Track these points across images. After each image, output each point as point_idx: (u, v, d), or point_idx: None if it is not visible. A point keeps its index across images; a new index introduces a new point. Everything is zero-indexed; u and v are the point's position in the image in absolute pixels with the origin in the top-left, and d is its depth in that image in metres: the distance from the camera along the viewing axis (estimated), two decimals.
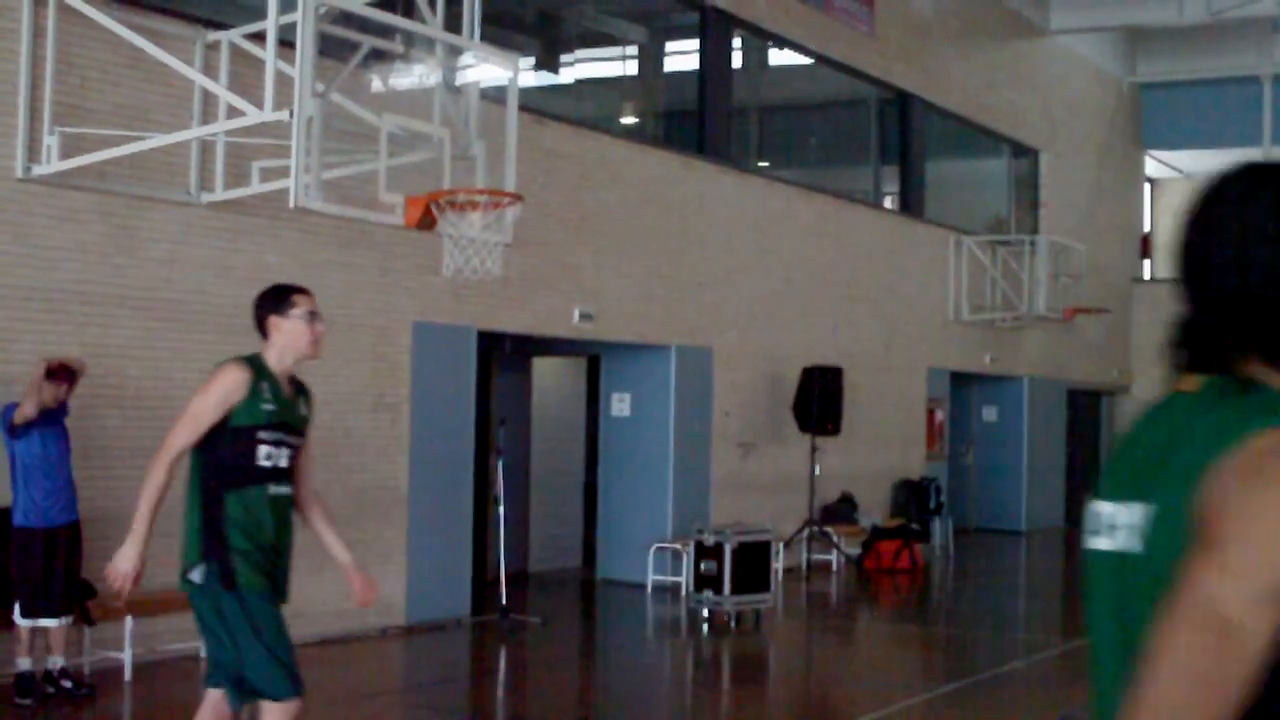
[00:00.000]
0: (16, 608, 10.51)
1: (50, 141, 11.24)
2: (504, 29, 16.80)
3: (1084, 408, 31.20)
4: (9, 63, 11.20)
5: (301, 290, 6.87)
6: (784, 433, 20.10)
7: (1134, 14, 29.51)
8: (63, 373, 10.57)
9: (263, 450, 6.58)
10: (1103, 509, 2.43)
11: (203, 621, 6.70)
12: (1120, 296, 32.05)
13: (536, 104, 16.33)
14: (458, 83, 12.30)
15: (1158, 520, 2.27)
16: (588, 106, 20.29)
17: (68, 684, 10.66)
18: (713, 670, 14.08)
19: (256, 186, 12.25)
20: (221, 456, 6.55)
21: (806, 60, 21.96)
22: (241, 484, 6.56)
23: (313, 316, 6.72)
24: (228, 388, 6.52)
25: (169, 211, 12.28)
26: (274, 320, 6.69)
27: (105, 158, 11.35)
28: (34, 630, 10.58)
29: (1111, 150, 32.29)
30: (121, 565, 6.66)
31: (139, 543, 6.64)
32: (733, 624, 14.98)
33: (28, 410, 10.39)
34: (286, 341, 6.68)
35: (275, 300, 6.77)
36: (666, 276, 18.22)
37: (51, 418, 10.57)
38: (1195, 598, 2.10)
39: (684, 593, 16.48)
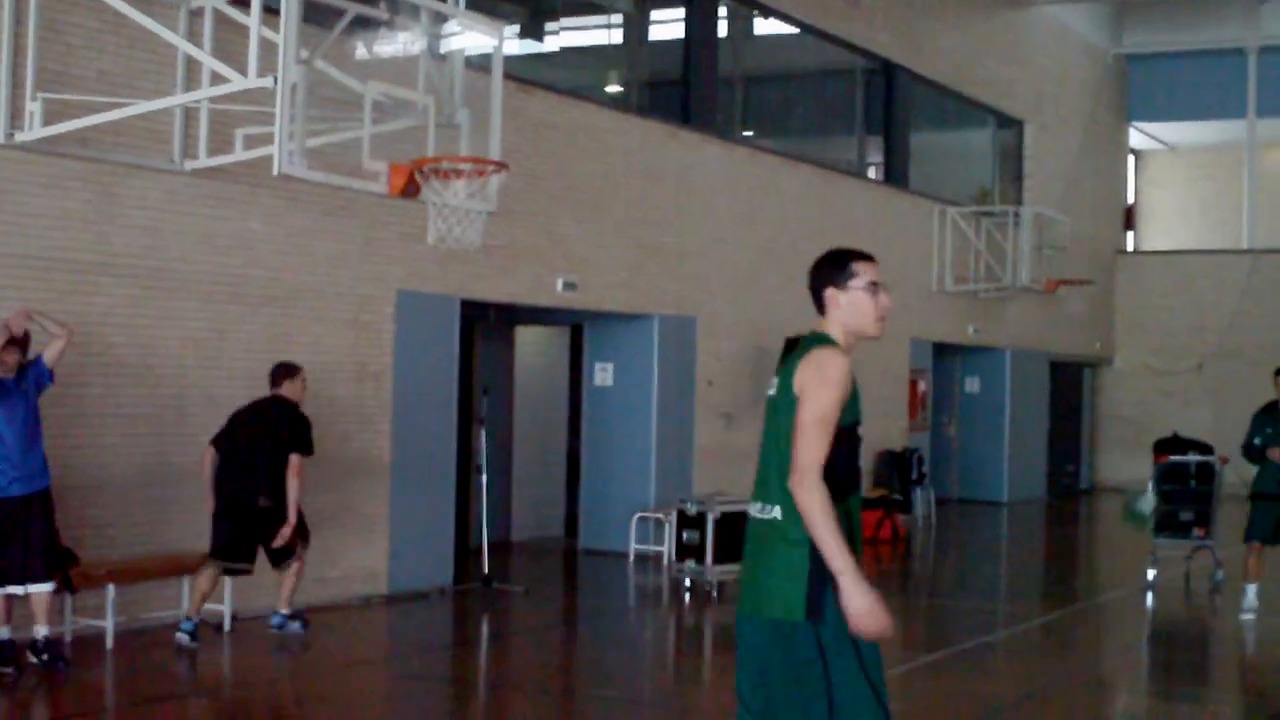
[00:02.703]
0: None
1: (33, 108, 11.18)
2: None
3: (1066, 379, 31.27)
4: None
5: (863, 256, 5.74)
6: None
7: None
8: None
9: (859, 449, 5.65)
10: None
11: (786, 663, 5.43)
12: (1103, 268, 32.11)
13: (521, 72, 16.28)
14: (442, 50, 12.25)
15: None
16: (573, 75, 20.23)
17: (45, 656, 10.58)
18: (694, 640, 14.11)
19: (240, 153, 12.21)
20: (830, 462, 5.39)
21: (792, 29, 21.92)
22: (847, 493, 5.50)
23: (876, 287, 5.65)
24: (847, 380, 5.46)
25: (152, 178, 12.24)
26: (831, 293, 5.65)
27: (89, 124, 11.29)
28: (9, 598, 10.52)
29: (1096, 122, 32.29)
30: (865, 617, 5.26)
31: (860, 579, 5.25)
32: (715, 594, 15.00)
33: None
34: (848, 318, 5.63)
35: (834, 269, 5.68)
36: (650, 246, 18.20)
37: (10, 388, 10.42)
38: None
39: (666, 562, 16.50)
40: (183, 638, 11.63)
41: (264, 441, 12.01)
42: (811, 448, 5.32)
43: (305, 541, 12.40)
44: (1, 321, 10.54)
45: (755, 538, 5.55)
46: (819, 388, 5.37)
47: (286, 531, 12.04)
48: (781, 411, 5.49)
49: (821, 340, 5.58)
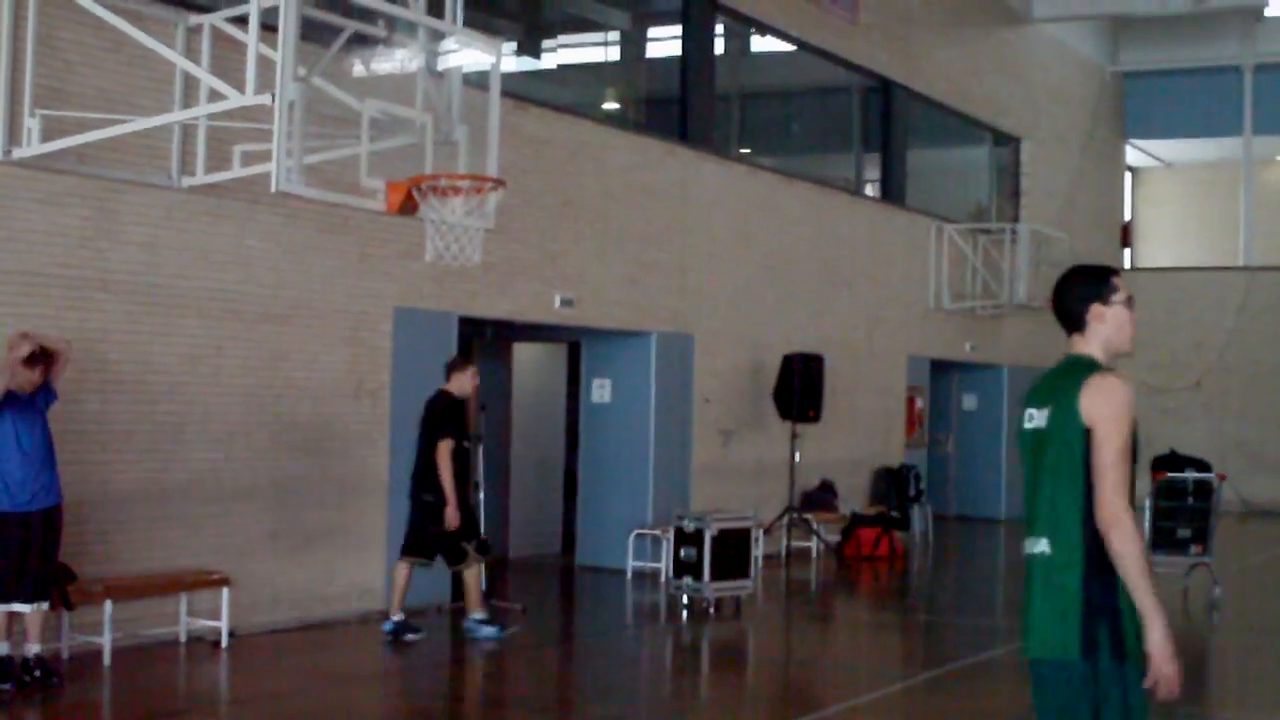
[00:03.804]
0: None
1: (31, 124, 11.19)
2: (486, 14, 16.77)
3: None
4: None
5: (1117, 271, 5.57)
6: (764, 420, 20.12)
7: (1118, 3, 29.59)
8: (37, 357, 10.53)
9: (1134, 473, 5.42)
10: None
11: (1055, 703, 5.35)
12: None
13: (519, 89, 16.30)
14: (440, 67, 12.27)
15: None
16: (570, 92, 20.26)
17: (38, 673, 10.55)
18: (692, 657, 14.10)
19: (238, 170, 12.21)
20: None
21: (789, 47, 21.95)
22: None
23: (1131, 301, 5.51)
24: (1133, 407, 5.29)
25: (150, 195, 12.25)
26: (1098, 309, 5.43)
27: (86, 141, 11.30)
28: (10, 615, 10.52)
29: (1093, 139, 32.33)
30: (1167, 664, 5.24)
31: (1167, 626, 5.24)
32: (712, 610, 14.99)
33: None
34: (1111, 334, 5.44)
35: (1098, 283, 5.47)
36: (648, 263, 18.21)
37: (26, 403, 10.50)
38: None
39: (664, 579, 16.48)
40: (386, 637, 12.99)
41: (422, 438, 13.11)
42: (1120, 489, 5.19)
43: (470, 538, 13.07)
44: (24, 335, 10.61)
45: (1030, 574, 5.43)
46: (1114, 423, 5.21)
47: (449, 513, 12.84)
48: (1056, 442, 5.31)
49: (1092, 365, 5.39)
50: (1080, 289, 5.49)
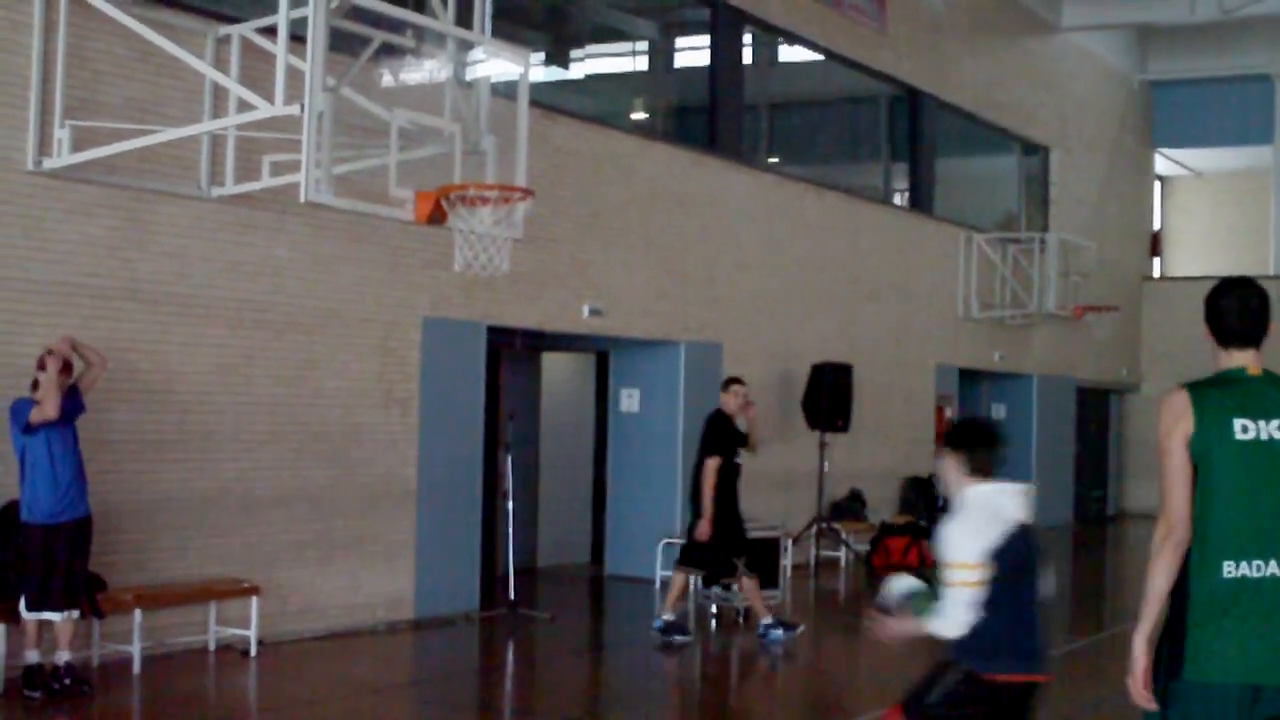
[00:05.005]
0: (22, 601, 10.50)
1: (61, 135, 11.25)
2: (515, 24, 16.80)
3: (1093, 406, 31.18)
4: (21, 55, 11.20)
5: None
6: (793, 429, 20.09)
7: (1145, 11, 29.49)
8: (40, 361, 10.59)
9: None
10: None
11: None
12: (1130, 294, 32.02)
13: (547, 99, 16.32)
14: (468, 78, 12.30)
15: None
16: (598, 102, 20.29)
17: (67, 681, 10.58)
18: (720, 666, 14.08)
19: (267, 181, 12.24)
20: None
21: (817, 57, 21.95)
22: None
23: None
24: None
25: (179, 205, 12.29)
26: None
27: (116, 151, 11.34)
28: (40, 623, 10.57)
29: (1122, 148, 32.25)
30: None
31: None
32: (741, 620, 14.97)
33: (49, 411, 10.37)
34: None
35: None
36: (676, 272, 18.21)
37: (62, 422, 10.52)
38: None
39: (692, 588, 16.46)
40: (655, 636, 13.78)
41: (697, 455, 13.94)
42: None
43: (739, 553, 13.82)
44: (53, 350, 10.60)
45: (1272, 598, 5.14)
46: None
47: (703, 525, 13.58)
48: None
49: None
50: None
